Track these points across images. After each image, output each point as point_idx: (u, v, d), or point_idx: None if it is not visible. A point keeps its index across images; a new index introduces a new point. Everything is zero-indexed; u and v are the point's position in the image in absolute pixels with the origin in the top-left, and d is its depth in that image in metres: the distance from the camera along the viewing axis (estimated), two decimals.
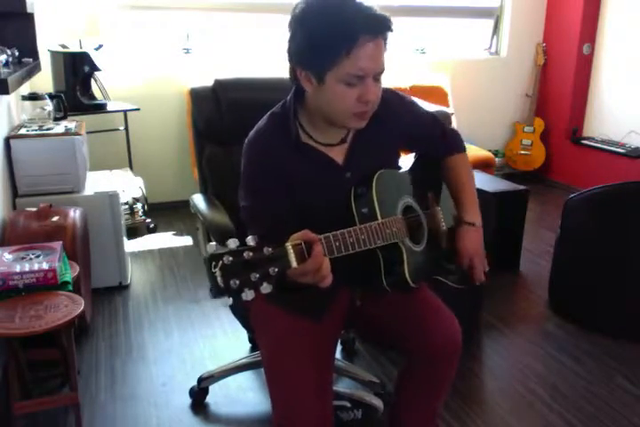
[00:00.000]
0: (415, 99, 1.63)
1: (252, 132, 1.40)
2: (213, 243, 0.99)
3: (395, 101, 1.47)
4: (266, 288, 0.98)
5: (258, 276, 0.97)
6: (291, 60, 1.30)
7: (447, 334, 1.43)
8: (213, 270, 0.95)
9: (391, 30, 1.25)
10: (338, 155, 1.41)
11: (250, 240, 1.00)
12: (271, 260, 0.99)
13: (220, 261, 0.95)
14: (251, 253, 0.97)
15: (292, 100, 1.37)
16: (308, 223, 1.36)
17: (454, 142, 1.62)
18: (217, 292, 0.96)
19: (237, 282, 0.96)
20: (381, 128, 1.43)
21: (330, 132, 1.38)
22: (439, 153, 1.60)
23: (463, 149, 1.63)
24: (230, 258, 0.96)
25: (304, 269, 1.05)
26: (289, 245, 1.03)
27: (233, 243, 0.98)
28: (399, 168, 1.56)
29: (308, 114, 1.37)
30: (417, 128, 1.54)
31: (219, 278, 0.95)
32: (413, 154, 1.64)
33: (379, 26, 1.23)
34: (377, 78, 1.27)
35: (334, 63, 1.21)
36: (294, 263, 1.03)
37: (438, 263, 1.54)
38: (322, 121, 1.35)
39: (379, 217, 1.32)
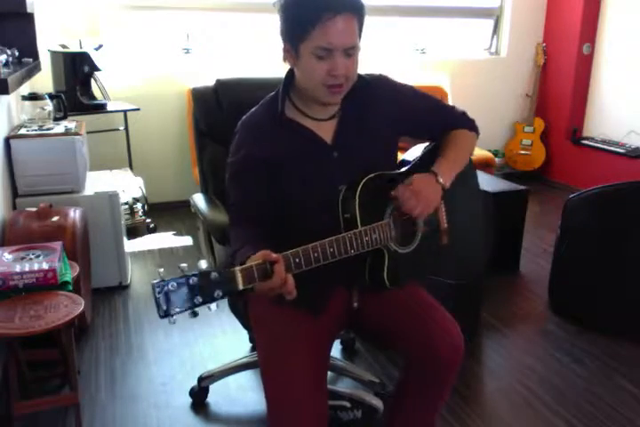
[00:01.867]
0: None
1: (246, 114, 1.47)
2: (161, 269, 1.09)
3: (386, 87, 1.49)
4: (211, 307, 1.11)
5: (201, 300, 1.08)
6: (281, 39, 1.37)
7: (448, 341, 1.41)
8: (157, 296, 1.05)
9: (356, 9, 1.30)
10: (326, 134, 1.43)
11: (202, 264, 1.12)
12: (217, 283, 1.09)
13: (165, 287, 1.05)
14: (196, 279, 1.07)
15: (283, 80, 1.43)
16: (298, 209, 1.41)
17: (458, 121, 1.59)
18: (161, 314, 1.06)
19: (179, 306, 1.07)
20: (371, 111, 1.45)
21: (319, 108, 1.42)
22: (442, 132, 1.57)
23: (469, 127, 1.59)
24: (175, 284, 1.06)
25: (269, 286, 1.15)
26: (236, 270, 1.11)
27: (185, 268, 1.09)
28: (395, 158, 1.55)
29: (299, 92, 1.42)
30: (413, 110, 1.52)
31: (162, 304, 1.06)
32: (417, 152, 1.62)
33: (341, 3, 1.28)
34: (348, 53, 1.32)
35: (305, 36, 1.29)
36: (240, 286, 1.12)
37: (432, 262, 1.53)
38: (310, 99, 1.40)
39: (358, 224, 1.33)
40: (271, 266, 1.14)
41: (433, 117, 1.57)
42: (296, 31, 1.30)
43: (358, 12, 1.31)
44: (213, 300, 1.09)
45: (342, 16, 1.28)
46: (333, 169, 1.41)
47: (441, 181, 1.44)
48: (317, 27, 1.27)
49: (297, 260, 1.20)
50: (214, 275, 1.09)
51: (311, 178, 1.41)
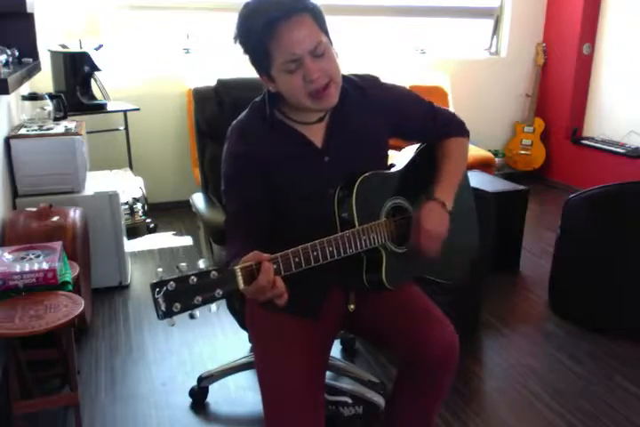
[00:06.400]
0: None
1: (235, 120, 1.46)
2: (160, 269, 1.05)
3: (376, 87, 1.48)
4: (212, 308, 1.08)
5: (201, 299, 1.04)
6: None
7: (442, 341, 1.41)
8: (156, 296, 1.01)
9: (303, 7, 1.26)
10: (316, 137, 1.41)
11: (200, 263, 1.07)
12: (217, 283, 1.06)
13: (165, 288, 1.02)
14: (195, 279, 1.04)
15: (266, 90, 1.41)
16: (289, 213, 1.39)
17: (450, 126, 1.57)
18: (160, 315, 1.03)
19: (179, 306, 1.03)
20: (360, 112, 1.43)
21: (307, 113, 1.39)
22: (435, 137, 1.56)
23: (460, 133, 1.58)
24: (174, 284, 1.02)
25: (256, 287, 1.10)
26: (237, 268, 1.08)
27: (184, 267, 1.06)
28: (386, 159, 1.53)
29: (285, 101, 1.39)
30: (404, 113, 1.51)
31: (161, 304, 1.02)
32: (411, 151, 1.62)
33: (284, 9, 1.24)
34: (316, 54, 1.27)
35: (269, 57, 1.27)
36: (242, 285, 1.09)
37: (428, 262, 1.52)
38: (302, 110, 1.38)
39: (356, 223, 1.32)
40: (258, 267, 1.11)
41: (425, 121, 1.55)
42: (259, 60, 1.29)
43: (307, 9, 1.27)
44: (214, 300, 1.06)
45: (293, 19, 1.24)
46: (325, 173, 1.39)
47: (447, 207, 1.43)
48: (272, 44, 1.24)
49: (297, 259, 1.17)
50: (214, 274, 1.06)
51: (302, 182, 1.39)
